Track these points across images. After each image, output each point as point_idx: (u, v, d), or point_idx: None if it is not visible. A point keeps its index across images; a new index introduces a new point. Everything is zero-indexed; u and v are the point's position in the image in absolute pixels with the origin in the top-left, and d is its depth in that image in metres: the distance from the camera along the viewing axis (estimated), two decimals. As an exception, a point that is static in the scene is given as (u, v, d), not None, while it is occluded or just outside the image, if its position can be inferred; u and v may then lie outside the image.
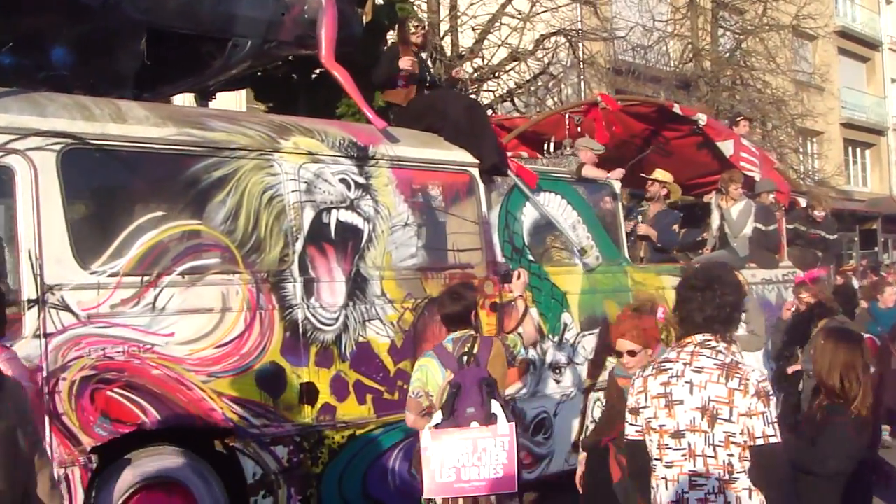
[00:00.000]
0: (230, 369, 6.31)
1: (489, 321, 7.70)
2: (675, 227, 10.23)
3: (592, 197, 9.09)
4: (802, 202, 11.74)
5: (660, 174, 10.15)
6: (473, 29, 19.55)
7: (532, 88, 20.65)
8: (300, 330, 6.67)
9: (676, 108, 9.91)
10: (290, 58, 8.39)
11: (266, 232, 6.62)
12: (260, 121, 6.96)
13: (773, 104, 25.23)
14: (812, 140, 34.02)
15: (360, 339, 6.99)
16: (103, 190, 6.44)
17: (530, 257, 8.20)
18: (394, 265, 7.27)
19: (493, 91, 19.76)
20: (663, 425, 4.05)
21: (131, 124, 6.22)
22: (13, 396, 3.06)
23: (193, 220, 6.45)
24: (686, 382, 4.01)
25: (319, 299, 6.80)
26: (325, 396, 6.74)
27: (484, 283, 7.72)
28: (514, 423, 5.75)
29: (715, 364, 4.03)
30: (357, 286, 7.02)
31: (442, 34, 19.33)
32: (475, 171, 7.88)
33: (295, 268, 6.71)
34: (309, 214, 6.86)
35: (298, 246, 6.75)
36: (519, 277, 6.91)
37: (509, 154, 9.23)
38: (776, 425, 3.97)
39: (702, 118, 9.99)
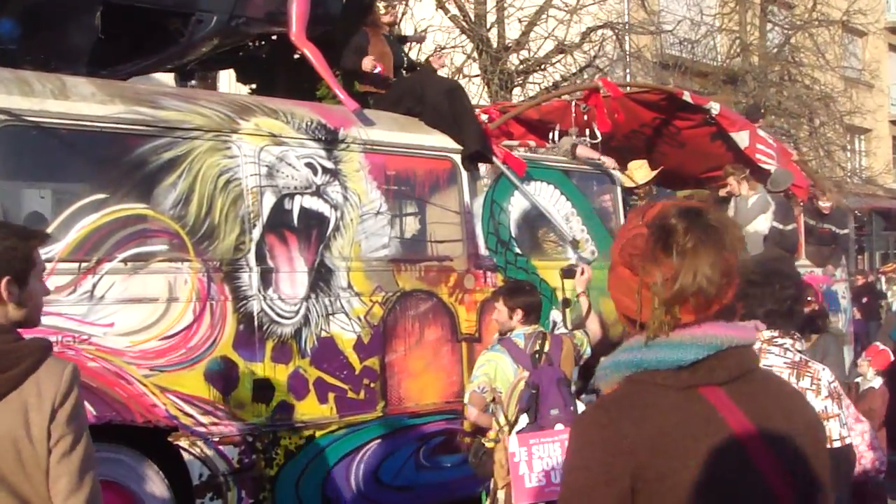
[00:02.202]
0: (175, 363, 5.90)
1: (468, 317, 7.25)
2: None
3: (589, 188, 8.59)
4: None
5: (637, 172, 9.57)
6: (520, 21, 19.49)
7: (578, 81, 20.26)
8: (255, 323, 6.25)
9: (687, 96, 9.35)
10: (273, 37, 7.98)
11: (220, 218, 6.21)
12: (221, 101, 6.56)
13: (821, 101, 24.95)
14: (860, 137, 33.42)
15: (323, 333, 6.55)
16: (40, 170, 6.07)
17: (517, 250, 7.72)
18: (363, 256, 6.83)
19: (539, 83, 19.56)
20: None
21: (74, 101, 5.83)
22: (52, 383, 2.87)
23: (139, 204, 6.04)
24: None
25: (278, 291, 6.37)
26: (281, 394, 6.32)
27: (464, 276, 7.27)
28: None
29: (784, 363, 3.93)
30: (320, 277, 6.58)
31: (488, 26, 19.35)
32: (457, 158, 7.42)
33: (251, 256, 6.29)
34: (269, 200, 6.43)
35: (256, 233, 6.33)
36: (582, 273, 6.76)
37: (515, 142, 8.78)
38: (848, 427, 3.95)
39: (714, 107, 9.43)
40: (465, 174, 7.43)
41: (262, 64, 8.23)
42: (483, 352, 6.17)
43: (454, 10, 18.89)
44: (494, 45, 19.07)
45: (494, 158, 7.52)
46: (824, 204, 10.80)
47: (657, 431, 1.95)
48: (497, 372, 5.85)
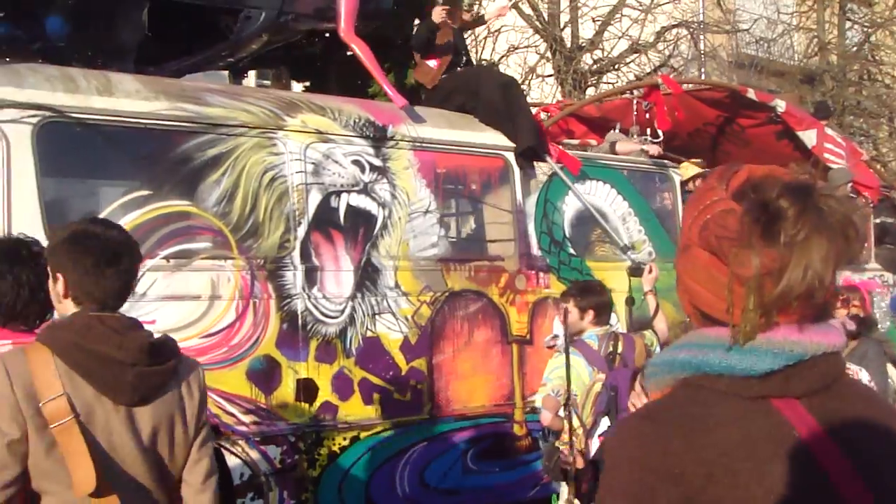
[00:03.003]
0: (217, 361, 5.83)
1: (519, 319, 7.10)
2: None
3: (648, 187, 8.38)
4: None
5: (687, 168, 9.33)
6: (594, 20, 19.29)
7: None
8: (299, 322, 6.16)
9: (751, 94, 9.06)
10: (326, 34, 7.90)
11: (265, 216, 6.14)
12: (267, 97, 6.49)
13: None
14: (943, 137, 32.26)
15: (369, 333, 6.45)
16: (84, 166, 6.06)
17: (571, 251, 7.54)
18: (411, 255, 6.71)
19: (613, 83, 19.39)
20: None
21: (118, 97, 5.80)
22: (187, 381, 3.04)
23: (182, 201, 5.99)
24: None
25: (323, 289, 6.28)
26: (325, 394, 6.23)
27: (515, 277, 7.11)
28: None
29: None
30: (367, 276, 6.48)
31: (562, 25, 19.13)
32: (510, 156, 7.26)
33: (296, 255, 6.21)
34: (315, 198, 6.35)
35: (301, 231, 6.24)
36: (650, 272, 6.65)
37: (576, 141, 8.62)
38: None
39: (780, 105, 9.12)
40: (518, 172, 7.28)
41: (314, 61, 8.16)
42: (555, 354, 6.02)
43: (527, 10, 18.74)
44: (568, 44, 18.87)
45: (548, 157, 7.34)
46: None
47: (716, 451, 1.55)
48: (572, 374, 5.72)
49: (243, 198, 6.07)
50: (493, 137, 7.25)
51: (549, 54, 19.16)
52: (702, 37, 21.15)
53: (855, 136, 24.08)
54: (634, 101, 9.01)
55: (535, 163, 7.41)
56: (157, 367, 2.92)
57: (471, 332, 6.87)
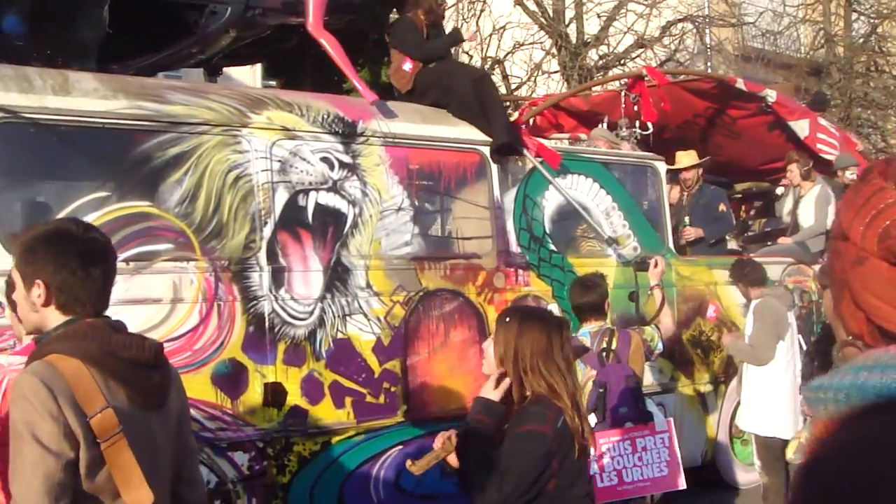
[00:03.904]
0: (181, 365, 5.59)
1: (498, 318, 6.89)
2: (722, 206, 9.18)
3: (632, 180, 8.17)
4: None
5: (683, 158, 9.14)
6: (599, 16, 19.07)
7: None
8: (266, 324, 5.99)
9: (740, 83, 8.85)
10: (301, 29, 7.72)
11: (229, 215, 5.96)
12: (232, 94, 6.30)
13: None
14: (950, 130, 31.95)
15: (339, 335, 6.27)
16: (40, 167, 5.87)
17: (552, 247, 7.34)
18: (383, 254, 6.53)
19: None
20: None
21: (75, 97, 5.64)
22: (176, 381, 3.00)
23: (142, 202, 5.80)
24: None
25: (291, 290, 6.10)
26: (294, 398, 6.05)
27: (493, 275, 6.92)
28: (672, 419, 5.63)
29: None
30: (337, 276, 6.30)
31: (567, 21, 19.04)
32: (486, 151, 7.07)
33: (262, 255, 6.03)
34: (282, 196, 6.17)
35: (267, 231, 6.07)
36: (656, 266, 6.63)
37: (565, 135, 8.44)
38: None
39: (770, 94, 8.92)
40: (494, 167, 7.08)
41: (290, 57, 7.98)
42: None
43: (532, 7, 18.62)
44: (573, 40, 18.73)
45: (525, 151, 7.15)
46: None
47: None
48: None
49: (206, 197, 5.90)
50: (469, 132, 7.07)
51: (554, 51, 19.04)
52: (707, 31, 21.06)
53: (863, 127, 23.91)
54: (622, 94, 8.80)
55: (513, 157, 7.21)
56: (166, 368, 2.91)
57: (447, 333, 6.68)
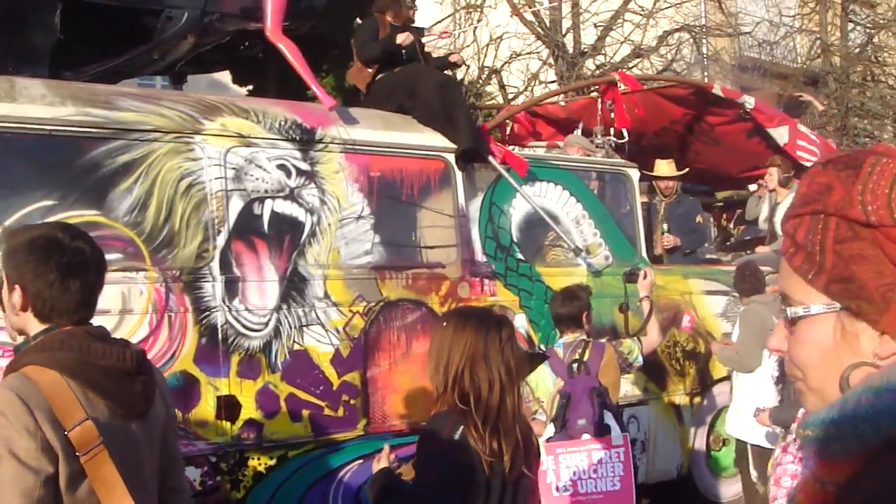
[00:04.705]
0: (129, 379, 5.51)
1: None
2: (699, 217, 9.05)
3: (603, 188, 8.02)
4: None
5: (662, 166, 9.01)
6: (596, 26, 19.24)
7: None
8: (219, 335, 5.83)
9: (717, 90, 8.71)
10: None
11: (181, 224, 5.82)
12: (185, 100, 6.16)
13: None
14: (946, 139, 31.90)
15: (296, 346, 6.11)
16: (-19, 175, 5.73)
17: (519, 256, 7.18)
18: (342, 263, 6.38)
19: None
20: None
21: (21, 103, 5.50)
22: (161, 387, 2.95)
23: (90, 211, 5.65)
24: None
25: (245, 301, 5.95)
26: (248, 411, 5.89)
27: (458, 284, 6.77)
28: (628, 434, 5.56)
29: None
30: (293, 286, 6.15)
31: (564, 31, 19.15)
32: (451, 158, 6.92)
33: (215, 265, 5.88)
34: (236, 205, 6.02)
35: (221, 240, 5.92)
36: (645, 277, 6.57)
37: (542, 143, 8.31)
38: None
39: (749, 101, 8.77)
40: (459, 175, 6.93)
41: (255, 64, 7.86)
42: None
43: (529, 17, 18.59)
44: (570, 50, 18.86)
45: (491, 157, 7.00)
46: None
47: None
48: (538, 381, 5.84)
49: (157, 206, 5.76)
50: (433, 139, 6.92)
51: (551, 60, 19.09)
52: (704, 40, 21.15)
53: (859, 137, 23.82)
54: (599, 101, 8.66)
55: (479, 164, 7.06)
56: (149, 375, 2.83)
57: (409, 344, 6.53)
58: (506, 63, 18.99)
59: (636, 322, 7.45)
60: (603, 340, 6.22)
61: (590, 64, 19.26)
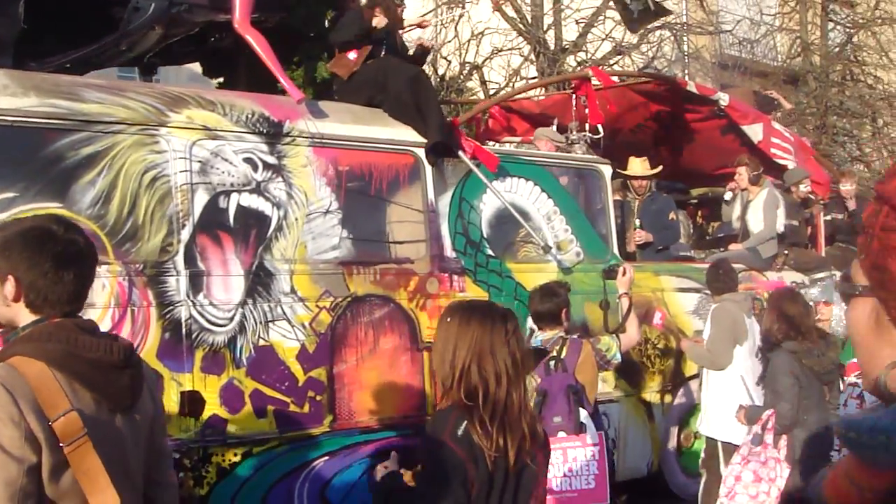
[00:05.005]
0: (90, 374, 5.44)
1: (431, 325, 6.70)
2: (672, 215, 9.03)
3: (575, 184, 7.98)
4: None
5: (636, 164, 8.99)
6: (577, 23, 19.16)
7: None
8: (183, 330, 5.77)
9: (691, 86, 8.70)
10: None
11: (145, 217, 5.75)
12: (151, 92, 6.09)
13: (884, 100, 24.06)
14: (925, 138, 31.99)
15: (261, 342, 6.05)
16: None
17: (489, 252, 7.14)
18: (309, 258, 6.32)
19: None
20: None
21: (-18, 94, 5.43)
22: (150, 382, 2.97)
23: (52, 203, 5.56)
24: None
25: (210, 296, 5.89)
26: (212, 407, 5.83)
27: (426, 280, 6.72)
28: (603, 433, 5.49)
29: None
30: (259, 281, 6.09)
31: (545, 28, 19.08)
32: (420, 152, 6.87)
33: (179, 259, 5.82)
34: (202, 198, 5.96)
35: (185, 234, 5.86)
36: (624, 274, 6.55)
37: (517, 138, 8.26)
38: None
39: (723, 98, 8.76)
40: (429, 169, 6.88)
41: (225, 56, 7.78)
42: None
43: (511, 13, 18.57)
44: (551, 47, 18.76)
45: (461, 152, 6.95)
46: (846, 187, 9.98)
47: None
48: None
49: (121, 199, 5.69)
50: (403, 133, 6.87)
51: (532, 57, 19.06)
52: (685, 38, 21.17)
53: (838, 136, 23.90)
54: (573, 97, 8.62)
55: (449, 159, 7.01)
56: (137, 369, 2.84)
57: (376, 340, 6.47)
58: (487, 59, 18.96)
59: (609, 318, 7.43)
60: (579, 337, 6.20)
61: (571, 60, 19.24)
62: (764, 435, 6.05)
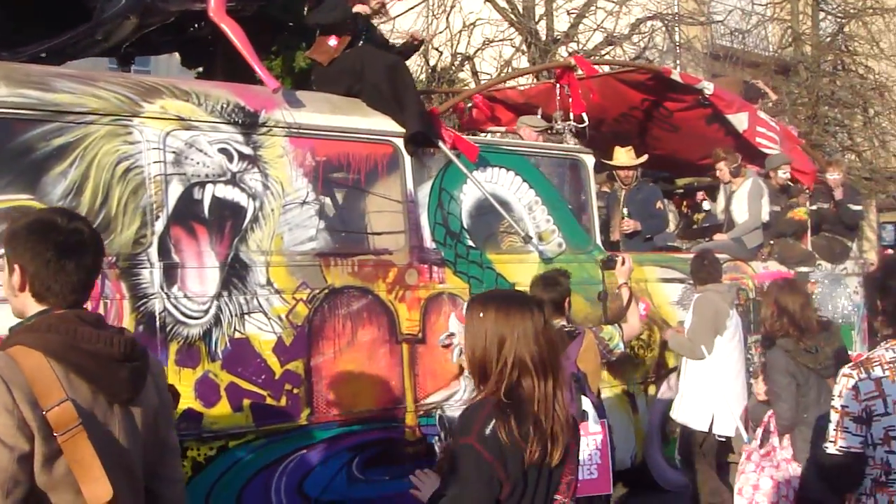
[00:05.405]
0: (62, 368, 5.36)
1: (410, 316, 6.65)
2: (659, 204, 8.97)
3: (558, 174, 7.91)
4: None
5: (622, 154, 8.94)
6: (569, 13, 19.24)
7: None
8: (157, 323, 5.70)
9: (675, 75, 8.63)
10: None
11: (118, 209, 5.67)
12: (124, 82, 5.99)
13: (875, 90, 24.10)
14: (916, 128, 32.00)
15: (237, 335, 5.98)
16: None
17: (469, 242, 7.07)
18: (285, 250, 6.24)
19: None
20: None
21: (-50, 84, 5.35)
22: (155, 376, 2.98)
23: (22, 195, 5.49)
24: None
25: (184, 288, 5.82)
26: (187, 401, 5.74)
27: (405, 271, 6.65)
28: (606, 421, 5.41)
29: None
30: (234, 273, 6.01)
31: (537, 18, 19.13)
32: (399, 142, 6.79)
33: (153, 251, 5.74)
34: (176, 189, 5.88)
35: (159, 226, 5.78)
36: (623, 263, 6.57)
37: (501, 128, 8.20)
38: None
39: (707, 87, 8.69)
40: (408, 159, 6.80)
41: (203, 46, 7.68)
42: None
43: (502, 3, 18.51)
44: (543, 37, 18.76)
45: (441, 142, 6.87)
46: (833, 176, 9.90)
47: None
48: None
49: (93, 190, 5.61)
50: (381, 123, 6.79)
51: (524, 47, 19.04)
52: (677, 28, 21.05)
53: (829, 126, 23.87)
54: (557, 86, 8.55)
55: (429, 149, 6.94)
56: (140, 362, 2.85)
57: (354, 332, 6.40)
58: (479, 50, 18.93)
59: (590, 309, 7.37)
60: (585, 326, 6.17)
61: (563, 51, 19.18)
62: (770, 437, 5.98)
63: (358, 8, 7.11)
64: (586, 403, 5.51)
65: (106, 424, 2.71)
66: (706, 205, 9.46)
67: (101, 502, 2.59)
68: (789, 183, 9.38)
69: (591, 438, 5.42)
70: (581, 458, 5.23)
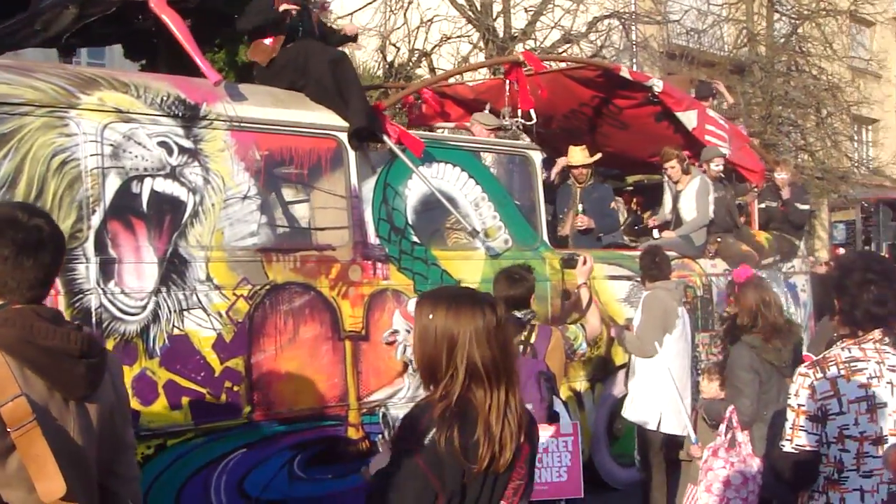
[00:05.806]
0: (-7, 365, 5.24)
1: (353, 313, 6.57)
2: (613, 204, 8.97)
3: (504, 170, 7.87)
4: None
5: (576, 153, 8.92)
6: (526, 10, 19.51)
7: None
8: (93, 319, 5.58)
9: (625, 72, 8.61)
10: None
11: (53, 202, 5.55)
12: (62, 73, 5.88)
13: (828, 91, 24.70)
14: (867, 128, 32.74)
15: (176, 331, 5.88)
16: None
17: (414, 238, 7.01)
18: (226, 245, 6.14)
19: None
20: (864, 432, 3.71)
21: None
22: (113, 373, 2.95)
23: (-48, 189, 5.39)
24: (887, 383, 3.73)
25: (121, 283, 5.71)
26: (124, 399, 5.63)
27: (349, 267, 6.58)
28: (578, 423, 5.24)
29: None
30: (173, 269, 5.91)
31: (495, 15, 19.33)
32: (343, 137, 6.71)
33: (89, 245, 5.63)
34: (113, 183, 5.77)
35: (96, 220, 5.67)
36: (584, 263, 6.51)
37: (451, 124, 8.13)
38: None
39: (657, 84, 8.68)
40: (352, 154, 6.73)
41: (150, 38, 7.57)
42: None
43: (460, 0, 18.50)
44: (501, 34, 18.93)
45: (385, 137, 6.80)
46: (780, 175, 9.93)
47: None
48: None
49: (27, 183, 5.49)
50: (325, 117, 6.71)
51: (481, 44, 19.08)
52: (633, 27, 21.35)
53: (783, 125, 24.08)
54: (507, 82, 8.50)
55: (373, 144, 6.87)
56: (97, 359, 2.83)
57: (296, 328, 6.32)
58: (436, 46, 18.99)
59: (538, 307, 7.32)
60: (551, 325, 6.13)
61: (520, 48, 19.24)
62: (735, 434, 5.96)
63: (284, 7, 7.00)
64: (557, 404, 5.39)
65: (61, 420, 2.69)
66: (652, 226, 9.45)
67: (54, 498, 2.57)
68: (722, 175, 9.37)
69: (562, 440, 5.26)
70: (549, 460, 5.17)
